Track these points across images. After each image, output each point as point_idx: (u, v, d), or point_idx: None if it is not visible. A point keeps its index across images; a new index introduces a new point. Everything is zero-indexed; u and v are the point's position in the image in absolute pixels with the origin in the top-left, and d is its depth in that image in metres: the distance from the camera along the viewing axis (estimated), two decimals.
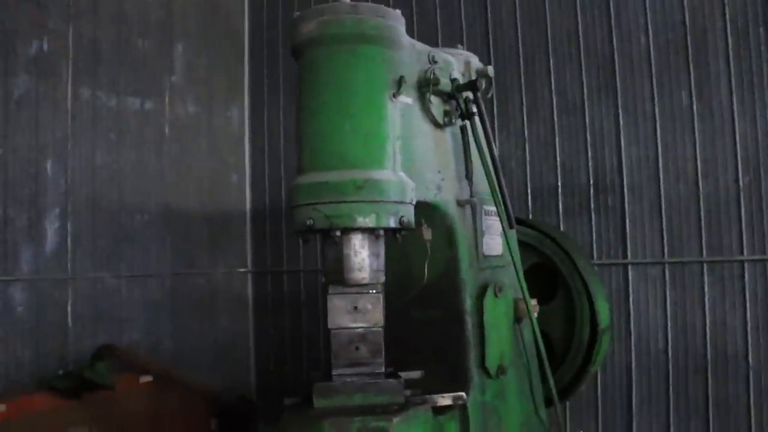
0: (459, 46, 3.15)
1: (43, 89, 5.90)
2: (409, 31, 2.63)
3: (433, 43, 2.91)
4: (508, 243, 2.87)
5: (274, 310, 6.97)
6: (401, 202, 2.43)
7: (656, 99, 4.77)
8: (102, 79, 6.31)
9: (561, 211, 5.10)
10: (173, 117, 6.88)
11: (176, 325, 6.56)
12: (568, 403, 4.69)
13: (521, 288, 2.89)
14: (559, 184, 5.11)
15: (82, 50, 6.16)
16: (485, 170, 2.81)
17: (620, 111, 4.89)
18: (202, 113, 7.18)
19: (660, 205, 4.74)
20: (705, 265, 4.55)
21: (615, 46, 4.88)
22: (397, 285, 2.80)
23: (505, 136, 5.34)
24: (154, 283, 6.48)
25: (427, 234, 2.53)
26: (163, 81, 6.87)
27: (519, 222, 3.71)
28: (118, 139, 6.38)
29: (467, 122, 2.82)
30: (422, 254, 2.89)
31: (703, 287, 4.55)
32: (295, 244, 6.52)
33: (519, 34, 5.29)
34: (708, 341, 4.51)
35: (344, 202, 2.36)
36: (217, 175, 7.22)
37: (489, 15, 5.44)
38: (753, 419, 4.31)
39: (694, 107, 4.63)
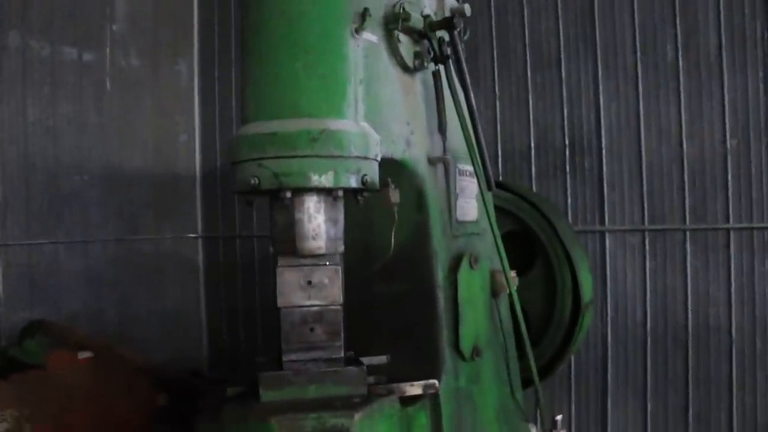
0: None
1: None
2: None
3: None
4: (485, 207, 2.51)
5: (227, 278, 6.57)
6: (364, 158, 2.07)
7: (639, 53, 4.45)
8: (33, 25, 5.72)
9: (534, 174, 4.80)
10: (115, 70, 6.32)
11: (120, 295, 6.11)
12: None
13: (500, 258, 2.54)
14: (532, 144, 4.81)
15: None
16: (461, 123, 2.43)
17: (599, 65, 4.58)
18: (147, 66, 6.62)
19: (641, 169, 4.46)
20: (688, 233, 4.29)
21: None
22: (358, 255, 2.44)
23: (474, 94, 4.90)
24: (96, 249, 6.01)
25: (395, 196, 2.15)
26: (104, 30, 6.28)
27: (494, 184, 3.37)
28: (53, 93, 5.82)
29: (441, 67, 2.42)
30: (388, 220, 2.51)
31: (685, 256, 4.30)
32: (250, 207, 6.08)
33: None
34: (689, 314, 4.28)
35: (296, 157, 1.98)
36: (164, 133, 6.70)
37: None
38: (735, 395, 4.10)
39: (680, 62, 4.32)
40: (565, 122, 4.70)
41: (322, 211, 2.11)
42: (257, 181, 2.01)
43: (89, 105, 6.07)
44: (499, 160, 4.92)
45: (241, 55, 2.16)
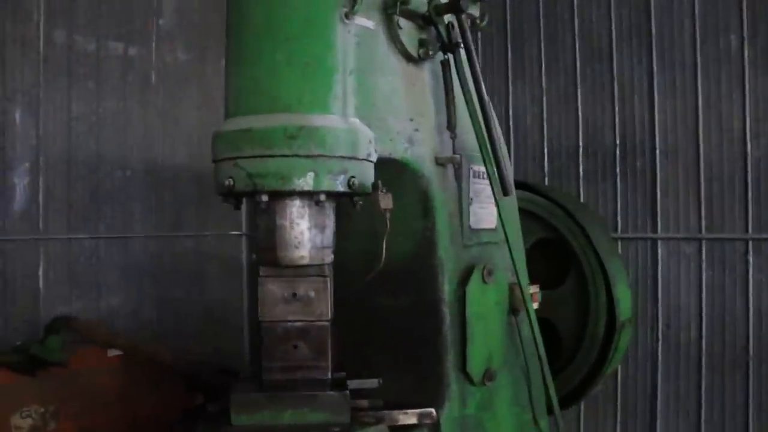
0: None
1: (11, 30, 5.36)
2: None
3: None
4: (499, 214, 2.24)
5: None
6: (352, 158, 1.86)
7: (698, 44, 4.06)
8: (79, 20, 5.73)
9: (581, 175, 4.47)
10: (160, 64, 6.27)
11: (160, 291, 6.06)
12: (582, 403, 4.10)
13: (515, 271, 2.27)
14: (581, 144, 4.48)
15: None
16: (472, 119, 2.17)
17: (654, 58, 4.22)
18: (194, 61, 6.54)
19: (698, 171, 4.08)
20: (750, 243, 3.89)
21: None
22: (363, 264, 2.20)
23: (519, 88, 4.68)
24: (136, 245, 5.97)
25: (385, 201, 1.92)
26: (150, 24, 6.24)
27: (524, 187, 3.10)
28: (98, 88, 5.81)
29: (450, 56, 2.17)
30: (395, 227, 2.29)
31: (746, 269, 3.90)
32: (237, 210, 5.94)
33: None
34: (751, 332, 3.89)
35: (272, 156, 1.79)
36: (209, 128, 6.33)
37: None
38: None
39: (745, 53, 3.92)
40: (617, 120, 4.36)
41: (306, 216, 1.92)
42: (232, 182, 1.84)
43: (133, 100, 6.04)
44: (545, 160, 4.61)
45: (226, 44, 1.99)
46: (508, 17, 4.76)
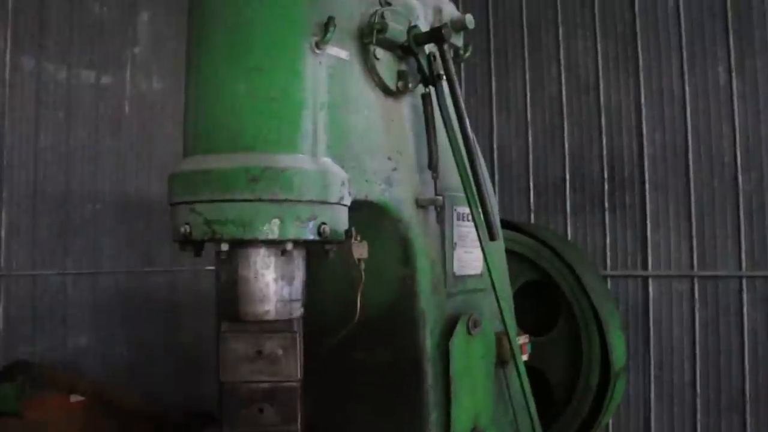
0: None
1: None
2: None
3: None
4: (485, 260, 2.06)
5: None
6: (322, 202, 1.66)
7: (686, 74, 3.97)
8: (49, 47, 5.53)
9: (569, 209, 4.32)
10: (135, 93, 6.08)
11: (131, 330, 5.79)
12: None
13: (503, 320, 2.08)
14: (567, 177, 4.33)
15: (25, 13, 5.41)
16: (455, 157, 1.99)
17: (642, 89, 4.11)
18: (169, 90, 6.36)
19: (689, 205, 3.96)
20: (744, 281, 3.75)
21: (637, 11, 4.07)
22: (340, 310, 2.00)
23: (504, 119, 4.55)
24: (106, 281, 5.72)
25: (359, 250, 1.72)
26: (124, 52, 6.05)
27: (508, 226, 2.91)
28: (68, 117, 5.60)
29: (431, 88, 2.00)
30: (374, 271, 2.10)
31: (741, 307, 3.76)
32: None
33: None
34: (747, 373, 3.71)
35: (232, 200, 1.58)
36: None
37: None
38: None
39: (734, 84, 3.81)
40: (604, 152, 4.24)
41: (272, 267, 1.71)
42: (188, 230, 1.64)
43: (105, 130, 5.83)
44: (531, 193, 4.46)
45: (185, 74, 1.80)
46: (492, 47, 4.64)
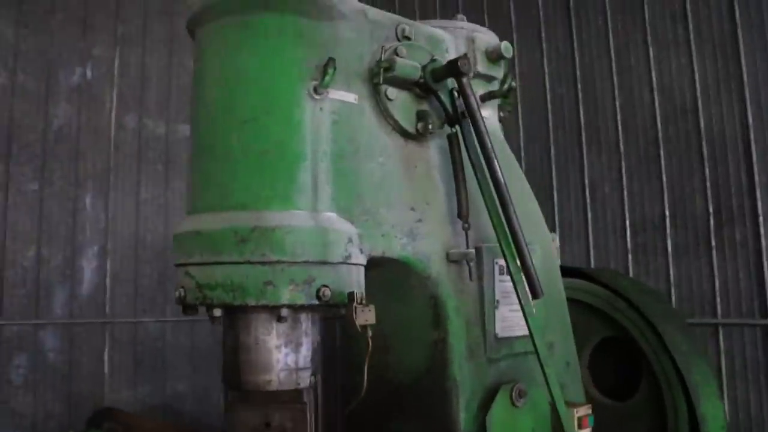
0: (459, 16, 2.12)
1: (85, 118, 5.52)
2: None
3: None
4: (526, 321, 1.78)
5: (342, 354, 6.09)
6: (321, 263, 1.49)
7: None
8: (150, 105, 5.85)
9: (671, 250, 3.85)
10: None
11: None
12: None
13: (549, 392, 1.79)
14: (667, 213, 3.88)
15: (129, 76, 5.74)
16: (486, 204, 1.76)
17: (749, 110, 3.61)
18: None
19: None
20: None
21: (738, 21, 3.58)
22: (371, 378, 1.81)
23: (594, 151, 4.19)
24: (203, 328, 5.83)
25: (365, 315, 1.52)
26: None
27: (579, 274, 2.58)
28: (167, 170, 5.85)
29: (457, 128, 1.79)
30: (405, 333, 1.92)
31: None
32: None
33: (608, 16, 4.10)
34: None
35: (221, 263, 1.45)
36: None
37: (570, 1, 4.31)
38: None
39: None
40: (708, 183, 3.76)
41: (274, 333, 1.57)
42: (182, 293, 1.54)
43: None
44: (628, 233, 4.04)
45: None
46: (578, 74, 4.31)
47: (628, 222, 4.04)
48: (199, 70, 1.67)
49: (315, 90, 1.56)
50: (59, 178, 5.35)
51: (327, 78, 1.55)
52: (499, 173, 1.73)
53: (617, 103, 4.14)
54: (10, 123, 5.15)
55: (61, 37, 5.50)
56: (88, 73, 5.60)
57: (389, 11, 1.83)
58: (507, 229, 1.74)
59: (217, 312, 1.51)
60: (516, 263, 1.75)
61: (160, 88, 5.90)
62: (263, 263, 1.46)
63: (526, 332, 1.93)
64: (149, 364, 5.50)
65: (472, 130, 1.73)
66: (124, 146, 5.66)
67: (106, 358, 5.31)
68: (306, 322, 1.62)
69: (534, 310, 1.78)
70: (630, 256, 3.98)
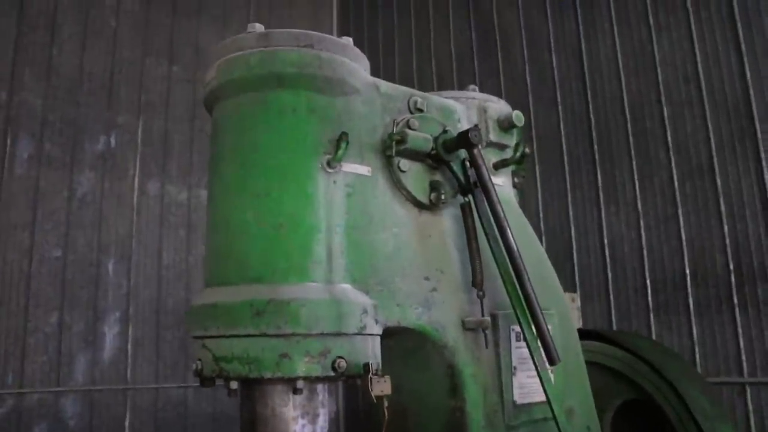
0: (471, 87, 2.17)
1: (108, 185, 5.65)
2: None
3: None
4: (544, 388, 1.77)
5: (366, 417, 6.01)
6: (337, 334, 1.50)
7: None
8: (172, 171, 5.97)
9: (692, 308, 3.78)
10: None
11: None
12: None
13: None
14: (688, 271, 3.82)
15: (152, 143, 5.90)
16: (499, 272, 1.77)
17: (764, 166, 3.60)
18: None
19: None
20: None
21: (749, 82, 3.62)
22: (396, 424, 1.79)
23: (613, 212, 4.18)
24: (225, 393, 5.78)
25: (380, 386, 1.52)
26: None
27: (599, 337, 2.56)
28: (188, 235, 5.93)
29: (470, 198, 1.81)
30: (426, 379, 1.91)
31: None
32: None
33: (622, 79, 4.16)
34: None
35: (237, 336, 1.48)
36: None
37: (585, 62, 4.38)
38: None
39: None
40: (727, 241, 3.71)
41: (290, 404, 1.57)
42: (199, 366, 1.56)
43: None
44: (648, 291, 3.98)
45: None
46: (594, 136, 4.36)
47: (648, 281, 3.99)
48: (216, 145, 1.71)
49: (328, 164, 1.60)
50: (82, 244, 5.45)
51: (340, 152, 1.59)
52: (512, 241, 1.74)
53: (634, 163, 4.15)
54: (36, 191, 5.29)
55: (87, 107, 5.69)
56: (112, 141, 5.76)
57: (408, 84, 1.88)
58: (522, 297, 1.74)
59: (234, 384, 1.51)
60: (532, 331, 1.74)
61: (182, 154, 6.04)
62: (279, 336, 1.47)
63: (544, 399, 1.91)
64: (171, 430, 5.46)
65: (485, 199, 1.76)
66: (146, 212, 5.77)
67: (127, 424, 5.28)
68: (322, 393, 1.62)
69: (551, 377, 1.76)
70: (652, 315, 3.91)
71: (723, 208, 3.69)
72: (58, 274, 5.30)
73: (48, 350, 5.15)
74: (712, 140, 3.76)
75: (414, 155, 1.76)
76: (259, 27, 1.73)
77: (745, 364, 3.52)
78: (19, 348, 5.00)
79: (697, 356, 3.71)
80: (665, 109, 4.00)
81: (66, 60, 5.55)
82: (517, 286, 1.74)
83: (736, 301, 3.60)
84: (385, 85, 1.82)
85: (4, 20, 5.28)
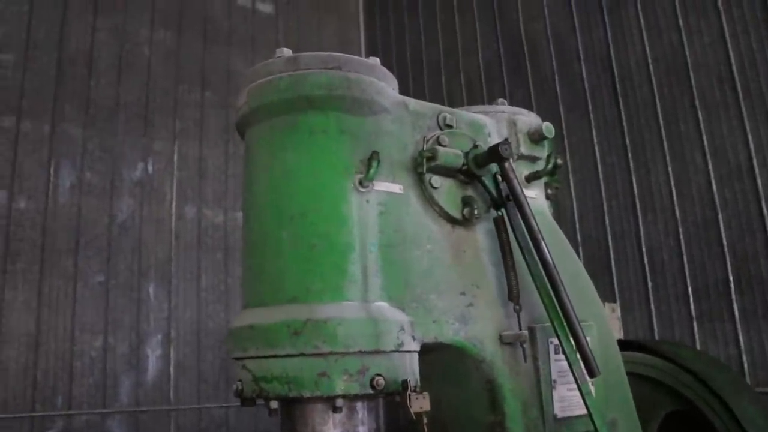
0: (500, 101, 2.17)
1: (147, 211, 5.78)
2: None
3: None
4: (584, 401, 1.75)
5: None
6: (374, 352, 1.51)
7: None
8: (208, 195, 6.09)
9: (737, 315, 3.68)
10: None
11: None
12: None
13: None
14: (731, 277, 3.73)
15: (187, 168, 6.02)
16: (535, 285, 1.76)
17: None
18: None
19: None
20: None
21: None
22: None
23: (650, 219, 4.11)
24: (266, 412, 5.82)
25: (419, 403, 1.52)
26: None
27: (641, 348, 2.51)
28: (226, 257, 6.02)
29: (503, 211, 1.81)
30: (462, 394, 1.89)
31: None
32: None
33: (654, 84, 4.11)
34: None
35: (276, 356, 1.49)
36: None
37: (615, 70, 4.35)
38: None
39: None
40: None
41: (330, 423, 1.58)
42: (240, 387, 1.57)
43: None
44: (691, 299, 3.89)
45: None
46: (628, 143, 4.31)
47: (690, 289, 3.91)
48: (249, 169, 1.74)
49: (360, 183, 1.61)
50: (124, 269, 5.58)
51: (372, 171, 1.60)
52: (547, 253, 1.73)
53: (669, 169, 4.08)
54: (78, 219, 5.44)
55: (124, 135, 5.84)
56: (149, 168, 5.90)
57: (438, 100, 1.89)
58: (559, 309, 1.73)
59: (274, 404, 1.52)
60: (570, 343, 1.72)
61: (217, 178, 6.16)
62: (317, 355, 1.48)
63: (585, 412, 1.88)
64: None
65: (518, 212, 1.75)
66: (184, 236, 5.88)
67: None
68: (362, 410, 1.62)
69: (592, 389, 1.74)
70: (695, 324, 3.82)
71: (765, 210, 3.61)
72: (101, 299, 5.42)
73: (94, 373, 5.26)
74: (751, 141, 3.68)
75: (445, 171, 1.76)
76: (287, 51, 1.75)
77: None
78: (66, 371, 5.12)
79: (745, 365, 3.61)
80: (700, 112, 3.93)
81: (103, 91, 5.71)
82: (554, 299, 1.73)
83: None
84: (413, 103, 1.83)
85: (46, 57, 5.47)
